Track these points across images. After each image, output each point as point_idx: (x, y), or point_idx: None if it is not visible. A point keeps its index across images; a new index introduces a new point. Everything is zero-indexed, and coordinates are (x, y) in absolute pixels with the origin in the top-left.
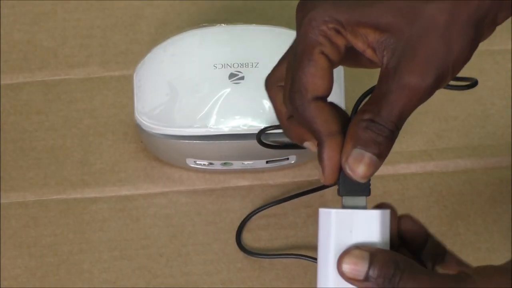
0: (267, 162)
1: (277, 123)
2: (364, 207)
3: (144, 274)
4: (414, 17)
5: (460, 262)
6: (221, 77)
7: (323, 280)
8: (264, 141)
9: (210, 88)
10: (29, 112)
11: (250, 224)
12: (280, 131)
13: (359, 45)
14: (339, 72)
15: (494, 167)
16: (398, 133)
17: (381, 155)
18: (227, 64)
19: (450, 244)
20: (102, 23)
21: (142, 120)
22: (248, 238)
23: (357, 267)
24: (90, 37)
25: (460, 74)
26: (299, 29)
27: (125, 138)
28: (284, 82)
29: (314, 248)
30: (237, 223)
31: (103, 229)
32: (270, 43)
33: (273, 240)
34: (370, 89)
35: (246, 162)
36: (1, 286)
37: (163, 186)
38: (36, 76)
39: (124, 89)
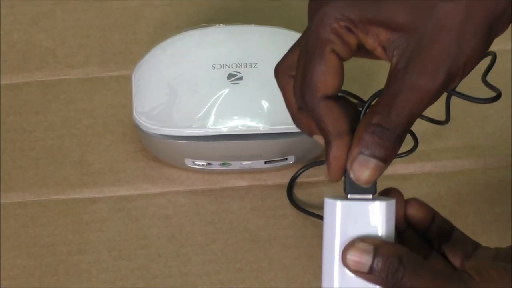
0: (265, 162)
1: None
2: (370, 198)
3: (143, 274)
4: (428, 16)
5: (465, 242)
6: (219, 77)
7: (328, 270)
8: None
9: (208, 88)
10: (28, 112)
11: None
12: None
13: (370, 43)
14: None
15: (492, 167)
16: (405, 136)
17: (387, 160)
18: (225, 64)
19: None
20: (101, 23)
21: (141, 120)
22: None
23: (361, 260)
24: (89, 37)
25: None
26: (310, 25)
27: (124, 138)
28: (295, 73)
29: None
30: (236, 223)
31: (102, 229)
32: (269, 44)
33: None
34: (380, 90)
35: (244, 163)
36: (0, 286)
37: (162, 187)
38: (35, 76)
39: (123, 89)
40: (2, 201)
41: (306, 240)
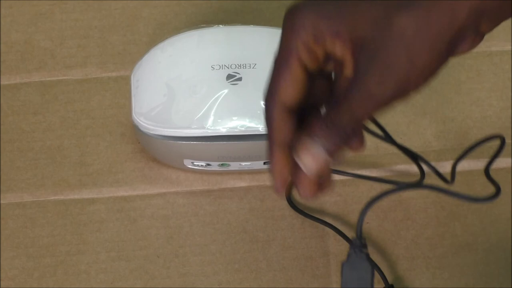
0: (264, 163)
1: None
2: None
3: (141, 275)
4: (385, 29)
5: None
6: (218, 78)
7: None
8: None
9: (207, 89)
10: (26, 112)
11: None
12: None
13: (338, 53)
14: None
15: (491, 168)
16: (352, 136)
17: (331, 152)
18: (224, 65)
19: (447, 245)
20: (99, 24)
21: (139, 121)
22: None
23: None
24: (87, 37)
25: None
26: (282, 34)
27: (122, 139)
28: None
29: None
30: (235, 224)
31: (100, 230)
32: (268, 44)
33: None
34: None
35: (243, 163)
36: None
37: (161, 187)
38: (33, 76)
39: (122, 90)
40: (0, 201)
41: (305, 241)
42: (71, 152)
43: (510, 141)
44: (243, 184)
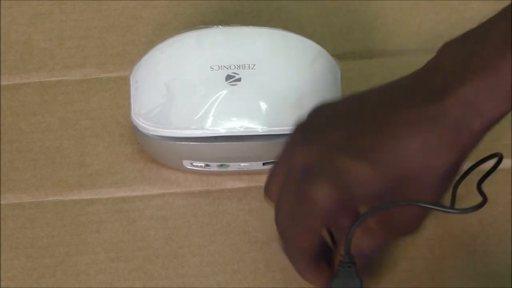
0: (263, 164)
1: None
2: None
3: (140, 276)
4: None
5: None
6: (218, 78)
7: None
8: None
9: (207, 89)
10: (25, 113)
11: None
12: None
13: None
14: (335, 75)
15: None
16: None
17: None
18: (224, 65)
19: (447, 246)
20: (99, 24)
21: (138, 122)
22: None
23: None
24: (87, 38)
25: None
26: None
27: (121, 140)
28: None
29: None
30: (234, 225)
31: (99, 230)
32: (267, 45)
33: None
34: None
35: (242, 164)
36: None
37: (160, 188)
38: (33, 77)
39: (121, 90)
40: (0, 202)
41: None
42: (70, 152)
43: (510, 142)
44: (242, 185)
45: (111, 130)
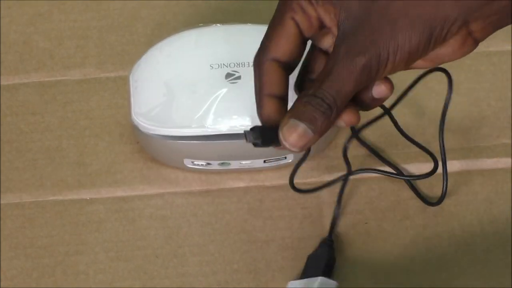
0: (264, 161)
1: None
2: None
3: (140, 275)
4: (373, 1)
5: None
6: (217, 77)
7: None
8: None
9: (207, 88)
10: (25, 113)
11: None
12: None
13: (327, 21)
14: None
15: (490, 168)
16: (337, 110)
17: (316, 129)
18: (223, 64)
19: (445, 246)
20: (98, 24)
21: (139, 121)
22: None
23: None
24: (86, 38)
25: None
26: None
27: (121, 139)
28: None
29: None
30: (233, 224)
31: (99, 230)
32: None
33: None
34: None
35: (244, 162)
36: None
37: (159, 187)
38: (32, 77)
39: (120, 90)
40: None
41: (303, 241)
42: (70, 152)
43: (509, 141)
44: (242, 184)
45: (110, 130)
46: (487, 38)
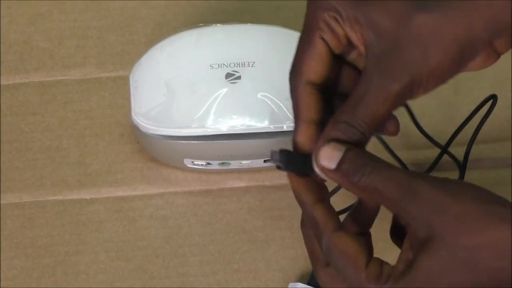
0: (264, 161)
1: None
2: None
3: (140, 275)
4: (404, 24)
5: None
6: (217, 77)
7: None
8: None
9: (207, 88)
10: (25, 113)
11: None
12: None
13: (355, 39)
14: None
15: (490, 168)
16: (370, 134)
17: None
18: (223, 64)
19: None
20: (98, 24)
21: (139, 121)
22: None
23: (333, 154)
24: (86, 38)
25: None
26: (306, 12)
27: (121, 139)
28: None
29: None
30: (233, 224)
31: (99, 230)
32: (267, 42)
33: None
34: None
35: (244, 162)
36: None
37: (159, 187)
38: (32, 77)
39: (120, 90)
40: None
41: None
42: (70, 152)
43: (509, 142)
44: (242, 184)
45: (110, 130)
46: None
